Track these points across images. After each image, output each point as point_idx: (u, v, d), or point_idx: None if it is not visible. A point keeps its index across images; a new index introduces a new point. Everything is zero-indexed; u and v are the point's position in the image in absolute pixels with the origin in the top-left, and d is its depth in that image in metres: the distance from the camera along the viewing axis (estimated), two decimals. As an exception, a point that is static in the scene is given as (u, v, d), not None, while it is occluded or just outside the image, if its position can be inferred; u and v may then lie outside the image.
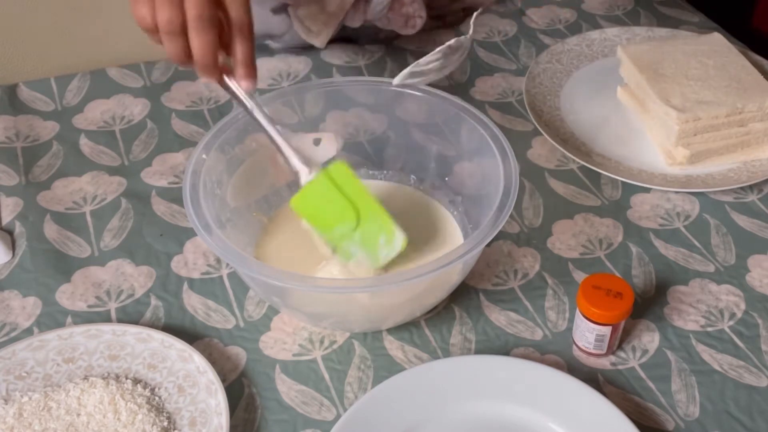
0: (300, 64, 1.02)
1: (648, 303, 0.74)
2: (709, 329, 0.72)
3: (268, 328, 0.72)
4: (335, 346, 0.70)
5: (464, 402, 0.64)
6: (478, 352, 0.70)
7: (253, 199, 0.77)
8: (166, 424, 0.63)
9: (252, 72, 0.62)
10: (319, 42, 0.78)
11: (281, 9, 0.90)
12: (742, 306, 0.74)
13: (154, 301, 0.74)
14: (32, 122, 0.94)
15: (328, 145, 0.79)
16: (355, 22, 0.79)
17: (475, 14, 0.68)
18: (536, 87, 0.97)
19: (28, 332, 0.71)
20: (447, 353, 0.70)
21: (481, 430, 0.63)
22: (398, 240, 0.68)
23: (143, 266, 0.77)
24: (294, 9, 0.84)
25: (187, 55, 0.59)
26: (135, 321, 0.72)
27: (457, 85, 1.00)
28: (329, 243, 0.69)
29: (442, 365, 0.66)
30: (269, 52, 1.04)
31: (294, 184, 0.73)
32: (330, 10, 0.75)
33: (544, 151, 0.90)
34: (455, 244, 0.63)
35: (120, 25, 1.04)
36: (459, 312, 0.73)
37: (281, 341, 0.71)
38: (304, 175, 0.68)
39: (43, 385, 0.66)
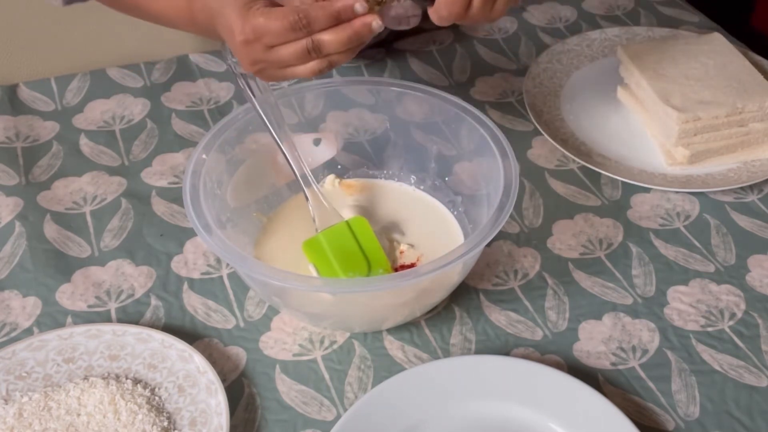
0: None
1: (647, 303, 0.74)
2: (709, 329, 0.72)
3: (268, 328, 0.72)
4: (335, 346, 0.70)
5: (464, 402, 0.64)
6: (478, 352, 0.70)
7: (253, 199, 0.77)
8: (166, 424, 0.63)
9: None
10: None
11: None
12: (742, 306, 0.74)
13: (154, 301, 0.74)
14: (32, 122, 0.93)
15: (328, 145, 0.80)
16: None
17: None
18: (536, 87, 0.96)
19: (28, 332, 0.71)
20: (447, 353, 0.70)
21: (481, 430, 0.63)
22: None
23: (143, 266, 0.77)
24: None
25: None
26: (135, 321, 0.72)
27: (457, 85, 1.00)
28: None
29: (442, 365, 0.66)
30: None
31: (294, 184, 0.73)
32: None
33: (544, 151, 0.90)
34: (455, 244, 0.63)
35: (120, 25, 1.04)
36: (459, 312, 0.73)
37: (281, 341, 0.71)
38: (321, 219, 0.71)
39: (43, 385, 0.66)
